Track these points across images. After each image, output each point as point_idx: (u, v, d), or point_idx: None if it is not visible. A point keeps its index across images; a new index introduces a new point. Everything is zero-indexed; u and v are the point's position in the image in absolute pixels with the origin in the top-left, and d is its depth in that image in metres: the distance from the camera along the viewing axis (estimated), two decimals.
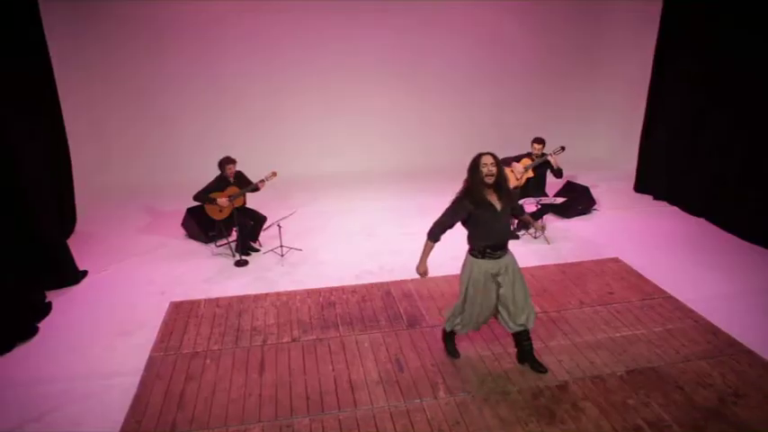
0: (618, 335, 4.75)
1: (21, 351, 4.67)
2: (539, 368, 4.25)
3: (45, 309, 5.30)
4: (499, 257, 3.95)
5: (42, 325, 5.04)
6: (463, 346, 4.55)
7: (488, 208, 3.83)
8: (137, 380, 4.23)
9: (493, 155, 3.86)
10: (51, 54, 6.80)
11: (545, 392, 4.02)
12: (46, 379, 4.28)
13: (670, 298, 5.34)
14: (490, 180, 3.78)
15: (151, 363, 4.45)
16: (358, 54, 9.45)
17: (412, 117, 10.04)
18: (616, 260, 6.22)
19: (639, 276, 5.81)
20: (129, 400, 4.01)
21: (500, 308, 4.08)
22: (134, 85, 8.97)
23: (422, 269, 4.05)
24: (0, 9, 5.74)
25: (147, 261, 6.45)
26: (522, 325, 4.08)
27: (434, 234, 3.96)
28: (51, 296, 5.52)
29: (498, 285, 3.98)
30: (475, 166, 3.84)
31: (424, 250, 4.00)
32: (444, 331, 4.47)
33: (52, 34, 6.79)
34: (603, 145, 10.51)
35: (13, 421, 3.81)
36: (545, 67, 10.23)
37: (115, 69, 8.78)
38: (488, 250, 3.91)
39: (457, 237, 4.07)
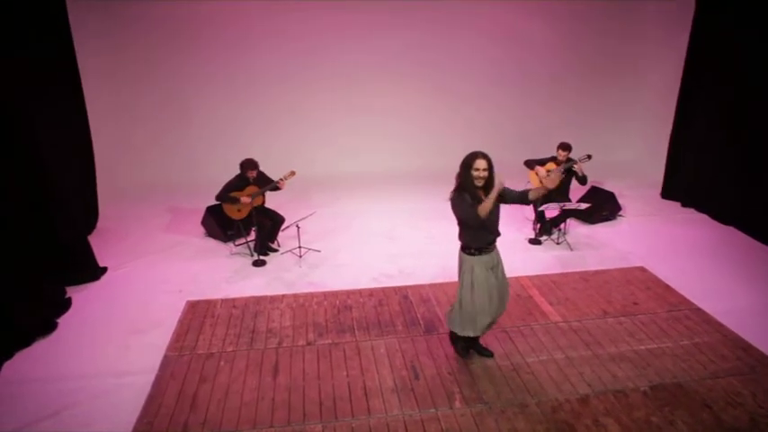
0: (642, 347, 4.59)
1: (39, 346, 4.71)
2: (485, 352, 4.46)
3: (65, 304, 5.35)
4: (491, 250, 4.02)
5: (60, 321, 5.08)
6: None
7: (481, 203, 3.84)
8: (150, 379, 4.23)
9: (487, 158, 3.80)
10: (76, 52, 6.87)
11: (564, 406, 3.90)
12: (62, 376, 4.30)
13: (698, 310, 5.16)
14: (479, 183, 3.80)
15: (166, 362, 4.45)
16: (378, 54, 9.37)
17: (433, 118, 9.92)
18: (642, 269, 6.04)
19: (666, 287, 5.63)
20: (142, 399, 4.00)
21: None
22: (156, 83, 9.01)
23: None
24: (28, 10, 5.81)
25: (165, 258, 6.48)
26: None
27: (475, 211, 3.75)
28: (70, 291, 5.56)
29: (495, 277, 4.03)
30: (467, 167, 3.80)
31: (490, 197, 3.70)
32: (454, 333, 4.35)
33: (77, 31, 6.85)
34: (630, 150, 10.26)
35: (28, 418, 3.82)
36: (571, 70, 10.02)
37: (139, 68, 8.84)
38: (484, 246, 3.95)
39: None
